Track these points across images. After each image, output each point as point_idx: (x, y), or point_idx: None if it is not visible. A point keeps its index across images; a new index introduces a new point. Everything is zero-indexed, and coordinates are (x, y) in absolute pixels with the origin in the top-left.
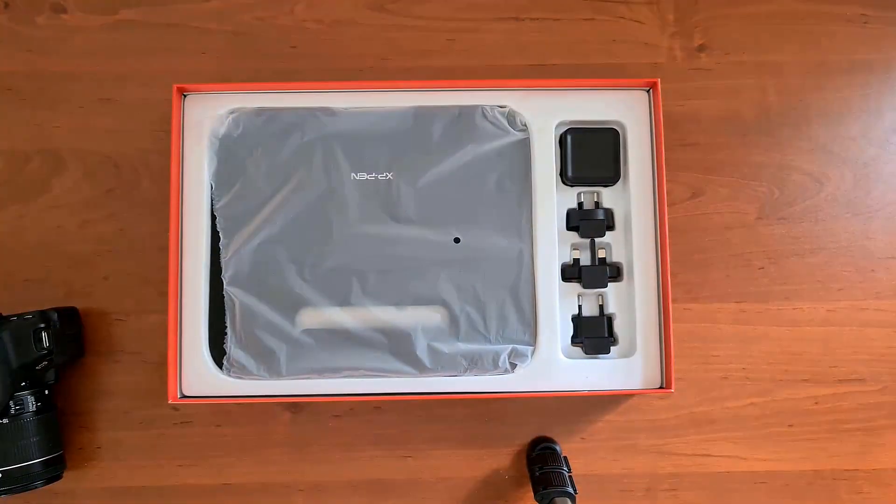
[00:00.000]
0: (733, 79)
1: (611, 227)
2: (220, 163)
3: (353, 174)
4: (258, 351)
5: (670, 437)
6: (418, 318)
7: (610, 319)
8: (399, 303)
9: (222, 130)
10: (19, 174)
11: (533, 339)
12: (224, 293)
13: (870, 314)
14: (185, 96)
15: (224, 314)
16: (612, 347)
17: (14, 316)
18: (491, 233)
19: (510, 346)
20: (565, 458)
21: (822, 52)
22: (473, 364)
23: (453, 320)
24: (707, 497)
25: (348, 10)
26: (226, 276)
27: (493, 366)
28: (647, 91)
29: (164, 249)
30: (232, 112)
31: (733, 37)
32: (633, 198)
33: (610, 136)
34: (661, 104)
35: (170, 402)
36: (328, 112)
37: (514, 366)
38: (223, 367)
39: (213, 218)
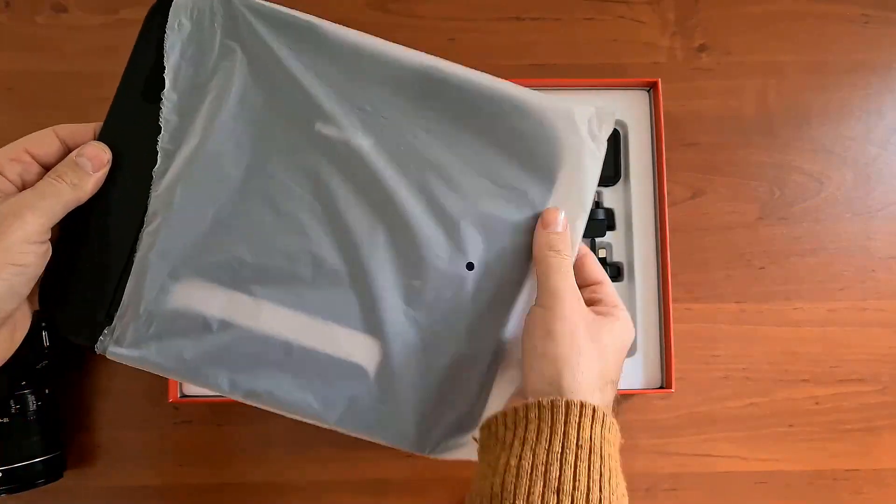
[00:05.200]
0: (734, 79)
1: (611, 227)
2: None
3: None
4: None
5: (670, 437)
6: None
7: None
8: None
9: None
10: None
11: None
12: None
13: (870, 314)
14: None
15: None
16: None
17: None
18: None
19: None
20: None
21: (822, 52)
22: None
23: None
24: (707, 497)
25: (348, 10)
26: None
27: None
28: (648, 91)
29: None
30: None
31: (734, 37)
32: (633, 198)
33: (610, 136)
34: (661, 104)
35: (170, 401)
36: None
37: None
38: None
39: None
